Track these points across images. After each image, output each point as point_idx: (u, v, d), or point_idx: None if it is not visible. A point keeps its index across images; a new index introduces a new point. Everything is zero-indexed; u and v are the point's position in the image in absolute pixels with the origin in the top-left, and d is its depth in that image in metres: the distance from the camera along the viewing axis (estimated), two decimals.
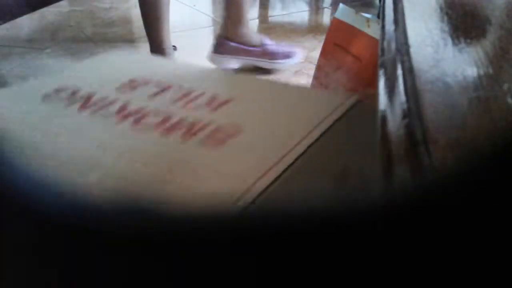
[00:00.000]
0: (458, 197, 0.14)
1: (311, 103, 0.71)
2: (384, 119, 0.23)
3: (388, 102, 0.24)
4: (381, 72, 0.28)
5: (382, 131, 0.22)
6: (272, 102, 0.71)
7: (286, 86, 0.83)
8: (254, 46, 1.60)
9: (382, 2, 0.39)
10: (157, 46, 1.49)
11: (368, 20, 0.91)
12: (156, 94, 0.71)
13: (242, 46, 1.60)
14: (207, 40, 1.71)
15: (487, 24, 0.33)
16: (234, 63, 1.62)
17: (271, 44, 1.61)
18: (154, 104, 0.68)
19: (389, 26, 0.32)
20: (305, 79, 1.48)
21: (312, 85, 1.05)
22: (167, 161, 0.54)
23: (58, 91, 0.72)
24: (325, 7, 2.46)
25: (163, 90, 0.72)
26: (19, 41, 1.89)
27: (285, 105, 0.71)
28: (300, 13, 2.29)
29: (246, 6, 1.58)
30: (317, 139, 0.59)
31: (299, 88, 0.84)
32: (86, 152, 0.55)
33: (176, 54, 1.75)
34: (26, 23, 2.10)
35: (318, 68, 1.03)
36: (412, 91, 0.23)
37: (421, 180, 0.18)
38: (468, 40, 0.29)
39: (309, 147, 0.57)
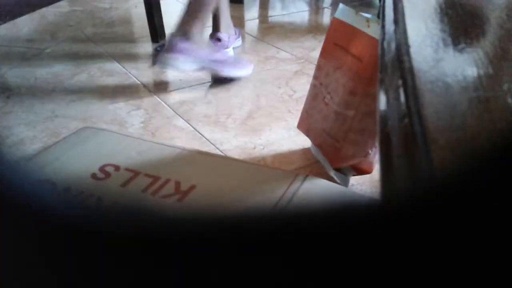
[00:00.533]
0: (458, 197, 0.14)
1: (266, 185, 0.82)
2: (384, 119, 0.23)
3: (388, 102, 0.24)
4: (381, 72, 0.28)
5: (382, 131, 0.22)
6: (229, 185, 0.81)
7: (240, 166, 0.93)
8: (234, 33, 1.76)
9: (382, 2, 0.39)
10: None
11: (368, 20, 0.91)
12: (126, 183, 0.79)
13: (232, 37, 1.73)
14: (207, 39, 1.70)
15: (487, 24, 0.33)
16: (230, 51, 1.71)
17: None
18: (126, 195, 0.75)
19: (389, 26, 0.32)
20: (305, 79, 1.49)
21: (312, 85, 1.05)
22: None
23: None
24: (325, 7, 2.46)
25: (132, 178, 0.80)
26: (19, 41, 1.89)
27: (240, 188, 0.81)
28: (300, 13, 2.29)
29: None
30: None
31: (252, 167, 0.94)
32: None
33: None
34: (26, 23, 2.10)
35: (318, 68, 1.03)
36: (412, 91, 0.23)
37: (421, 180, 0.18)
38: (468, 40, 0.29)
39: None
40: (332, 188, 0.88)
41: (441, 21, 0.32)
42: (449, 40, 0.28)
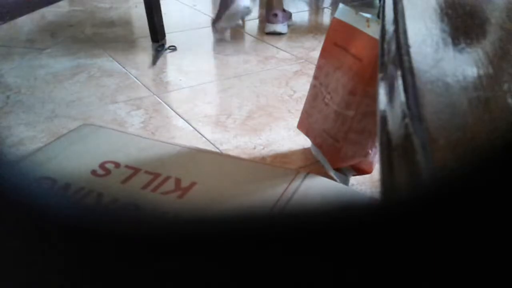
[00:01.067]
0: (458, 197, 0.14)
1: (266, 182, 0.82)
2: (384, 119, 0.23)
3: (388, 102, 0.24)
4: (381, 72, 0.28)
5: (382, 131, 0.22)
6: (230, 182, 0.81)
7: (241, 163, 0.93)
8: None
9: (382, 2, 0.39)
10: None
11: (368, 20, 0.91)
12: (126, 179, 0.79)
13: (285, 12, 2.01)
14: (207, 39, 1.71)
15: (487, 24, 0.33)
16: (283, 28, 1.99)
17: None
18: (126, 191, 0.75)
19: (389, 26, 0.32)
20: (305, 79, 1.49)
21: (312, 85, 1.05)
22: None
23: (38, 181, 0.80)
24: (325, 7, 2.46)
25: (132, 175, 0.80)
26: (19, 41, 1.89)
27: (241, 185, 0.81)
28: (300, 13, 2.29)
29: None
30: None
31: (253, 165, 0.95)
32: None
33: (176, 53, 1.75)
34: (26, 23, 2.10)
35: (318, 68, 1.03)
36: (412, 91, 0.23)
37: (421, 180, 0.18)
38: (468, 40, 0.29)
39: None
40: (332, 186, 0.88)
41: (441, 21, 0.32)
42: (449, 40, 0.28)
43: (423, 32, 0.29)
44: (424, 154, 0.18)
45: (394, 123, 0.22)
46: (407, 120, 0.20)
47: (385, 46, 0.30)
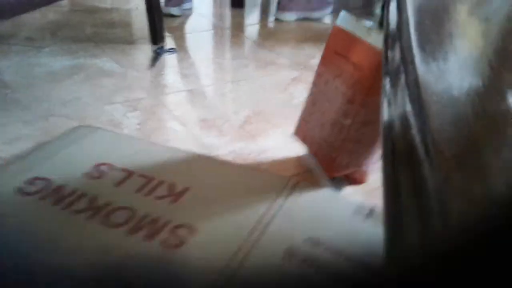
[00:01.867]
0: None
1: (259, 189, 0.84)
2: (388, 129, 0.22)
3: (393, 112, 0.24)
4: (385, 81, 0.27)
5: (386, 142, 0.22)
6: (223, 188, 0.82)
7: (235, 169, 0.94)
8: None
9: (385, 11, 0.39)
10: None
11: (369, 28, 0.91)
12: (120, 182, 0.80)
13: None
14: (207, 42, 1.71)
15: (493, 32, 0.32)
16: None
17: None
18: (120, 195, 0.76)
19: (393, 35, 0.32)
20: (304, 86, 1.48)
21: (311, 92, 1.05)
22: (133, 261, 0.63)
23: (31, 182, 0.79)
24: (326, 14, 2.46)
25: (126, 177, 0.81)
26: (19, 39, 1.88)
27: (234, 192, 0.82)
28: (301, 20, 2.29)
29: None
30: (265, 226, 0.69)
31: (247, 171, 0.96)
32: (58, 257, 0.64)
33: (175, 56, 1.75)
34: (27, 22, 2.09)
35: (318, 75, 1.03)
36: (417, 101, 0.22)
37: (426, 190, 0.17)
38: (473, 49, 0.29)
39: (258, 236, 0.68)
40: (323, 194, 0.88)
41: (447, 30, 0.31)
42: (454, 49, 0.28)
43: (428, 41, 0.29)
44: (429, 167, 0.18)
45: (398, 134, 0.21)
46: (413, 131, 0.20)
47: (389, 55, 0.30)
